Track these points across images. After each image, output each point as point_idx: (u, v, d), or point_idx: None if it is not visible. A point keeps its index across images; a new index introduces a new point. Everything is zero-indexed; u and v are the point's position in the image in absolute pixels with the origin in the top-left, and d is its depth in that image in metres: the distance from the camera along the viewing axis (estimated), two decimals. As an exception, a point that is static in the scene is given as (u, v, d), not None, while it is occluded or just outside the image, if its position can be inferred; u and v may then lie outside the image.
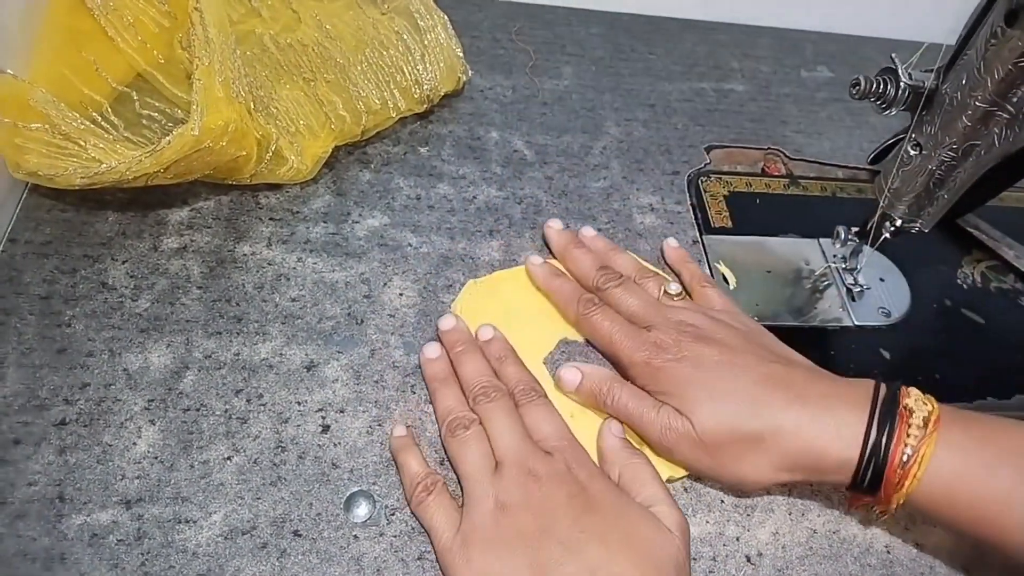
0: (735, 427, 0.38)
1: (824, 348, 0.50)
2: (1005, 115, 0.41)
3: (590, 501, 0.36)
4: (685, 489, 0.42)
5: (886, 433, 0.36)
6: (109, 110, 0.51)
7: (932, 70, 0.45)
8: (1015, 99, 0.40)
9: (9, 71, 0.44)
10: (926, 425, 0.36)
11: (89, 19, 0.51)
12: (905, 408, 0.37)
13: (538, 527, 0.35)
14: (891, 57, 0.45)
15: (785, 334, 0.45)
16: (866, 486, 0.37)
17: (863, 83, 0.46)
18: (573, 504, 0.36)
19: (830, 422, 0.37)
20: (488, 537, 0.35)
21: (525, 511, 0.36)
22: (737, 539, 0.41)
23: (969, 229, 0.58)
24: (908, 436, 0.36)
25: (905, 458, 0.35)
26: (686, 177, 0.59)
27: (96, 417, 0.40)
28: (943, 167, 0.45)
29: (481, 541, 0.35)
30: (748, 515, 0.42)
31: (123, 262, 0.46)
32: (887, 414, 0.36)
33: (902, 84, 0.45)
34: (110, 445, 0.39)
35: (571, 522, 0.35)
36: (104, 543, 0.36)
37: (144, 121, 0.52)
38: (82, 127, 0.45)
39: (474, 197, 0.54)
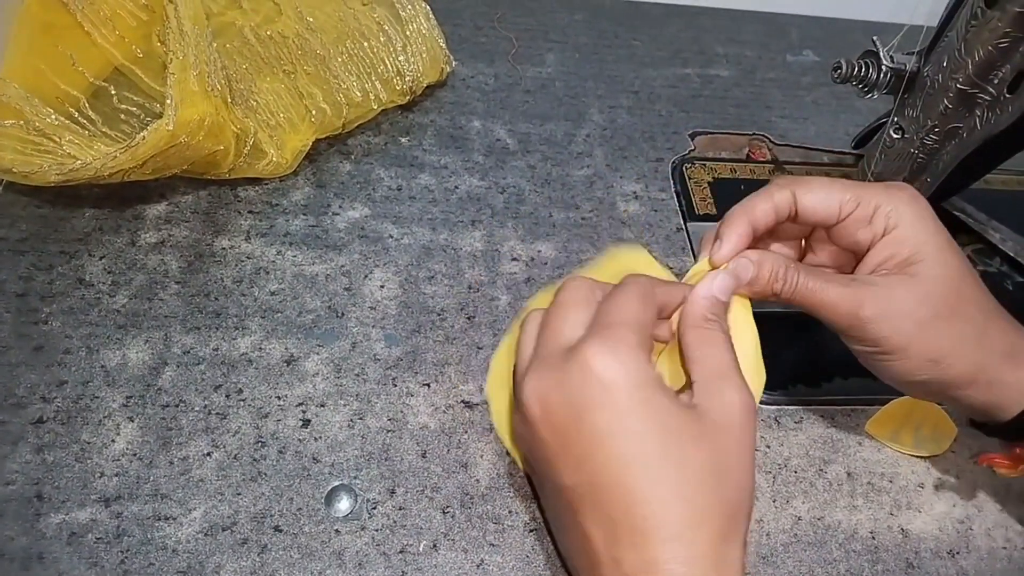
0: (973, 294, 0.36)
1: (810, 334, 0.49)
2: (986, 97, 0.41)
3: None
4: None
5: None
6: (86, 105, 0.51)
7: (914, 53, 0.44)
8: (996, 81, 0.40)
9: (-19, 67, 0.43)
10: None
11: (65, 13, 0.51)
12: None
13: None
14: (872, 40, 0.45)
15: (771, 320, 0.45)
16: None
17: (844, 67, 0.46)
18: None
19: None
20: None
21: None
22: (721, 527, 0.41)
23: (955, 212, 0.58)
24: None
25: None
26: (670, 164, 0.58)
27: (74, 415, 0.39)
28: (925, 150, 0.44)
29: None
30: (732, 503, 0.42)
31: (100, 258, 0.45)
32: None
33: (884, 67, 0.44)
34: (88, 443, 0.39)
35: None
36: (83, 542, 0.36)
37: (122, 116, 0.51)
38: (57, 123, 0.45)
39: (456, 187, 0.53)
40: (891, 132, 0.46)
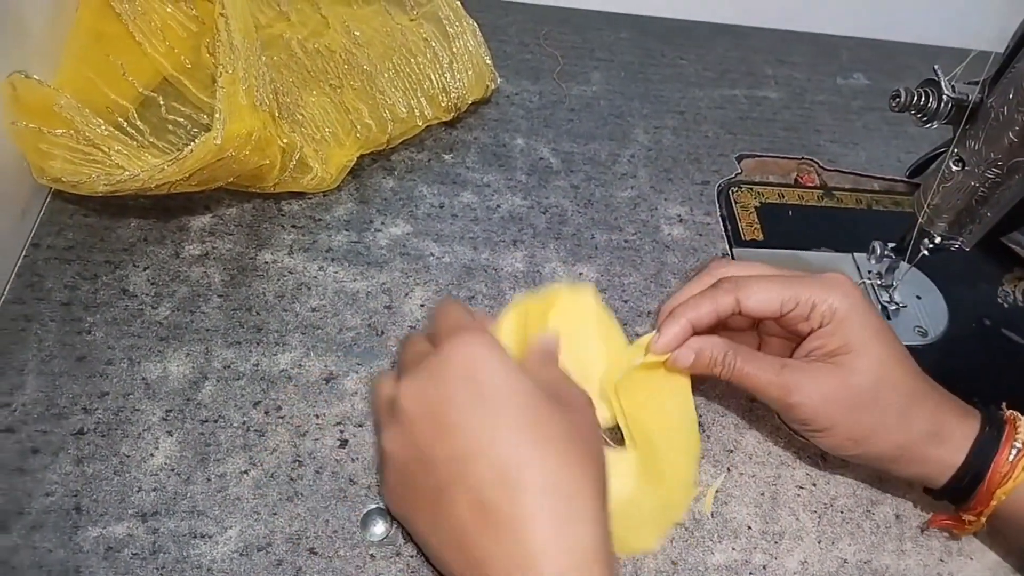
0: (897, 381, 0.38)
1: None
2: (1054, 131, 0.39)
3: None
4: (712, 515, 0.41)
5: (991, 444, 0.38)
6: (135, 115, 0.51)
7: (977, 82, 0.43)
8: (1065, 115, 0.38)
9: (35, 76, 0.44)
10: None
11: (116, 23, 0.51)
12: (1012, 423, 0.38)
13: None
14: (934, 69, 0.43)
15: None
16: (962, 489, 0.38)
17: (903, 95, 0.44)
18: None
19: (951, 423, 0.38)
20: None
21: None
22: (764, 567, 0.40)
23: (1011, 245, 0.56)
24: (1012, 448, 0.37)
25: (1005, 470, 0.37)
26: (716, 187, 0.57)
27: (114, 427, 0.39)
28: (987, 184, 0.43)
29: None
30: (776, 543, 0.40)
31: (144, 268, 0.45)
32: (995, 426, 0.38)
33: (944, 97, 0.43)
34: (127, 456, 0.38)
35: None
36: (119, 557, 0.36)
37: (170, 126, 0.52)
38: (106, 133, 0.45)
39: (498, 206, 0.53)
40: (951, 164, 0.44)
